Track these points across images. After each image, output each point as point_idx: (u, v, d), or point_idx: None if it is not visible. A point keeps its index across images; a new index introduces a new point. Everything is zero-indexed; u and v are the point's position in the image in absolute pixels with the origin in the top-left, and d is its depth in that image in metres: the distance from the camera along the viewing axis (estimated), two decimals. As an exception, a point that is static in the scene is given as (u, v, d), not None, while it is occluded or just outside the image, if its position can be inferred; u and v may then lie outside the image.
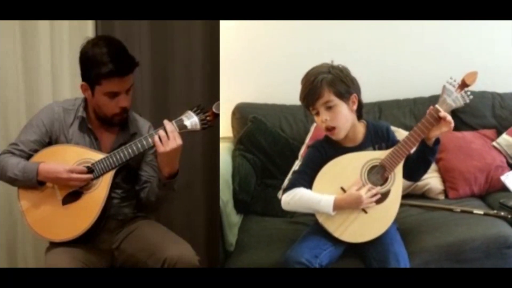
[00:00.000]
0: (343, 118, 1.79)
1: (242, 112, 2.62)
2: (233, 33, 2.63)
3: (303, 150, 2.47)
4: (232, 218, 2.12)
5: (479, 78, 2.35)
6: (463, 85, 1.72)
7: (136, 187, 1.94)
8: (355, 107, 1.81)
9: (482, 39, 2.68)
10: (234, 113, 2.65)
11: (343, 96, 1.77)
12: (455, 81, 1.73)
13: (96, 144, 1.87)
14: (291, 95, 2.53)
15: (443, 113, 1.70)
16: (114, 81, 1.75)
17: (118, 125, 1.88)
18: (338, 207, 1.76)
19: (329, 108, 1.76)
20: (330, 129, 1.79)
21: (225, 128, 2.69)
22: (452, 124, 1.71)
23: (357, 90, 1.81)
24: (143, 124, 1.97)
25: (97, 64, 1.73)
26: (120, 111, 1.82)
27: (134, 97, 2.38)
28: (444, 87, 1.73)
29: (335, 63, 1.82)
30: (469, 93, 1.72)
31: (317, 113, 1.79)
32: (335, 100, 1.76)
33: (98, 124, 1.88)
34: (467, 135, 2.47)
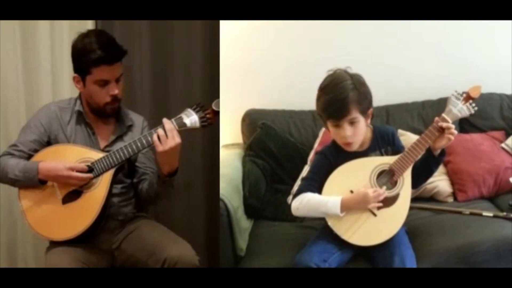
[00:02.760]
0: (361, 133, 1.80)
1: (251, 119, 2.64)
2: (242, 41, 2.66)
3: (312, 155, 2.48)
4: (242, 223, 2.12)
5: (487, 80, 2.35)
6: (468, 97, 1.78)
7: (134, 179, 1.95)
8: (369, 120, 1.83)
9: (490, 41, 2.67)
10: (243, 119, 2.67)
11: (365, 112, 1.78)
12: (460, 94, 1.79)
13: (93, 137, 1.89)
14: (299, 101, 2.59)
15: (444, 123, 1.73)
16: (103, 69, 1.78)
17: (111, 115, 1.90)
18: (346, 206, 1.75)
19: (352, 123, 1.76)
20: (349, 143, 1.80)
21: (235, 135, 2.71)
22: (453, 138, 1.74)
23: (372, 103, 1.82)
24: (137, 117, 2.00)
25: (87, 53, 1.77)
26: (111, 99, 1.84)
27: (134, 97, 2.40)
28: (449, 98, 1.79)
29: (344, 66, 1.80)
30: (473, 104, 1.78)
31: (338, 126, 1.77)
32: (359, 117, 1.76)
33: (94, 117, 1.90)
34: (476, 137, 2.46)
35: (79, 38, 1.83)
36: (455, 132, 1.74)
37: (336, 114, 1.75)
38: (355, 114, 1.75)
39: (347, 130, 1.76)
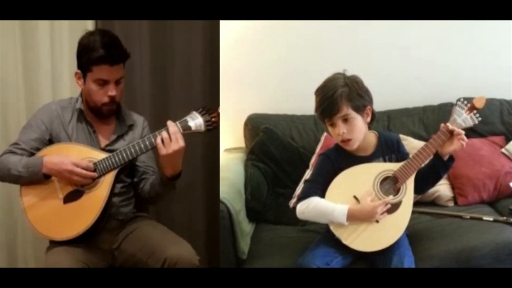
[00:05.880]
0: (359, 130, 1.80)
1: (254, 123, 2.65)
2: (245, 46, 2.67)
3: (314, 159, 2.48)
4: (244, 227, 2.12)
5: (487, 85, 2.31)
6: (472, 107, 1.79)
7: (135, 179, 1.96)
8: (369, 118, 1.83)
9: (490, 47, 2.68)
10: (246, 124, 2.67)
11: (359, 109, 1.78)
12: (465, 104, 1.79)
13: (94, 136, 1.90)
14: (301, 106, 2.59)
15: (455, 128, 1.74)
16: (104, 68, 1.78)
17: (107, 116, 1.90)
18: (352, 217, 1.76)
19: (346, 120, 1.77)
20: (346, 140, 1.80)
21: (238, 139, 2.72)
22: (464, 144, 1.74)
23: (371, 102, 1.82)
24: (138, 117, 2.01)
25: (89, 50, 1.78)
26: (109, 100, 1.84)
27: (134, 97, 2.40)
28: (454, 108, 1.80)
29: (347, 72, 1.82)
30: (477, 115, 1.78)
31: (333, 125, 1.79)
32: (352, 114, 1.76)
33: (94, 116, 1.90)
34: (476, 142, 2.46)
35: (85, 35, 1.84)
36: (465, 138, 1.75)
37: (327, 112, 1.77)
38: (347, 111, 1.75)
39: (341, 127, 1.77)
